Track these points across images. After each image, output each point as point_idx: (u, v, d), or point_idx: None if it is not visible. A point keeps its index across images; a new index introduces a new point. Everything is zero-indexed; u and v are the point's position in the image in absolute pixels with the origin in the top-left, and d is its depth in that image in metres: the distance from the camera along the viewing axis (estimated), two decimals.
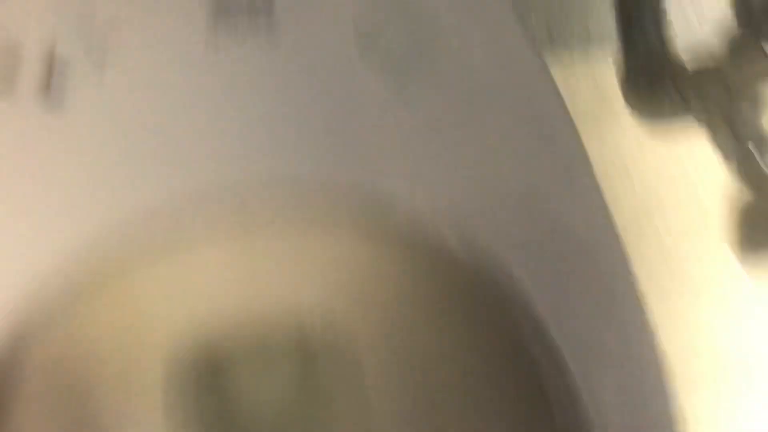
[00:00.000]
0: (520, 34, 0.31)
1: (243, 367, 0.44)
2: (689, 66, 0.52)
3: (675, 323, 0.53)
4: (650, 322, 0.30)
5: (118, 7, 0.27)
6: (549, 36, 0.60)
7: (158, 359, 0.41)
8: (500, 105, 0.30)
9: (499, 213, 0.29)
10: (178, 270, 0.35)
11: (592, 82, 0.62)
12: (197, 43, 0.28)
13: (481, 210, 0.29)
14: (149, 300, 0.36)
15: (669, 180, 0.57)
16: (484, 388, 0.39)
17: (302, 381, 0.46)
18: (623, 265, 0.29)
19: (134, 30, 0.27)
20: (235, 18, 0.28)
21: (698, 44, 0.51)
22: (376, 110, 0.28)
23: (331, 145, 0.28)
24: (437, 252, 0.30)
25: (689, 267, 0.54)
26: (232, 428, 0.43)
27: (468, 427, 0.38)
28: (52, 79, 0.26)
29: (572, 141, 0.30)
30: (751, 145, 0.49)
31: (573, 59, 0.60)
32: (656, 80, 0.56)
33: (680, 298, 0.53)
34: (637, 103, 0.60)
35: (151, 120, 0.26)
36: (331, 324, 0.43)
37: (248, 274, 0.40)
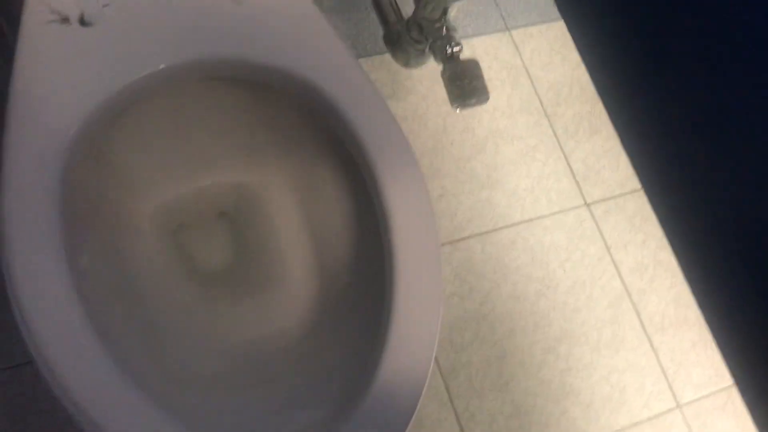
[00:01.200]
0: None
1: (194, 226, 0.85)
2: (411, 26, 0.98)
3: None
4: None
5: None
6: (353, 47, 1.12)
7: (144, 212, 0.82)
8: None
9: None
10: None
11: (386, 68, 1.11)
12: None
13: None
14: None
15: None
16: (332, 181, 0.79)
17: (233, 233, 0.86)
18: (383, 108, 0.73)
19: None
20: None
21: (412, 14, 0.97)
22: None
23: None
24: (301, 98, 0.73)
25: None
26: (190, 263, 0.82)
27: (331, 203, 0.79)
28: (84, 16, 0.73)
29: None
30: (442, 44, 0.92)
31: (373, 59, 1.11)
32: (402, 41, 1.01)
33: None
34: (400, 59, 1.05)
35: (138, 28, 0.71)
36: (245, 189, 0.85)
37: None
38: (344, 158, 0.77)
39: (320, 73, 0.75)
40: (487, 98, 0.91)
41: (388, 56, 1.11)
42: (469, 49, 1.27)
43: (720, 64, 1.07)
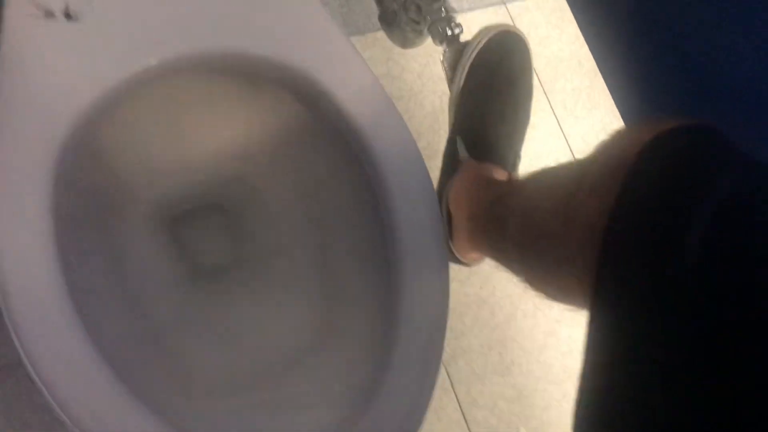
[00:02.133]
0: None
1: (192, 222, 0.82)
2: (409, 5, 0.94)
3: None
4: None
5: None
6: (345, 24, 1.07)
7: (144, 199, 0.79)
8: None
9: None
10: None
11: (380, 46, 1.07)
12: None
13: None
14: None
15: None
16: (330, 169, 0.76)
17: (232, 229, 0.83)
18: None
19: None
20: None
21: None
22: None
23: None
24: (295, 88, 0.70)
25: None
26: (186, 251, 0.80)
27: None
28: (69, 9, 0.69)
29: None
30: (441, 25, 0.89)
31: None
32: (399, 21, 0.98)
33: None
34: (397, 39, 1.01)
35: (128, 21, 0.67)
36: (243, 183, 0.81)
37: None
38: (343, 151, 0.75)
39: (317, 64, 0.72)
40: None
41: (381, 34, 1.07)
42: (464, 23, 1.23)
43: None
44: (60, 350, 0.58)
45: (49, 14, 0.65)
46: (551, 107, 1.22)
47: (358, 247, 0.77)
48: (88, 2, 0.66)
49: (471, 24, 1.24)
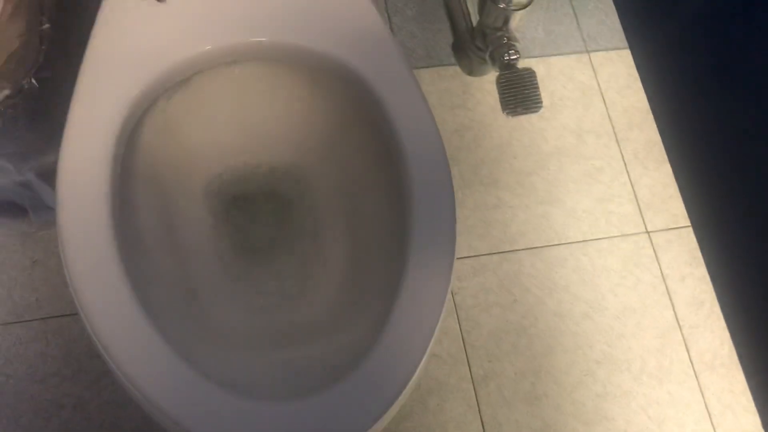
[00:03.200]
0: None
1: (244, 199, 0.91)
2: (476, 33, 1.01)
3: None
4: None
5: None
6: (428, 55, 1.16)
7: (199, 180, 0.89)
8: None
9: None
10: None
11: (459, 78, 1.14)
12: None
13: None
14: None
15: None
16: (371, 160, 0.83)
17: (278, 211, 0.92)
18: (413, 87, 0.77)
19: None
20: None
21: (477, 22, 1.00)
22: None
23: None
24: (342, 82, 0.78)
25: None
26: (239, 235, 0.88)
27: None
28: None
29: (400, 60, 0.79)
30: (500, 52, 0.95)
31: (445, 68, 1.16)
32: (466, 49, 1.05)
33: None
34: (465, 66, 1.08)
35: (208, 7, 0.78)
36: (295, 170, 0.90)
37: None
38: (383, 155, 0.81)
39: (372, 70, 0.79)
40: (539, 108, 0.93)
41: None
42: (546, 67, 1.28)
43: None
44: (106, 298, 0.66)
45: None
46: (622, 155, 1.24)
47: (381, 239, 0.82)
48: None
49: (553, 68, 1.29)
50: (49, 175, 0.87)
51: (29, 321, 1.01)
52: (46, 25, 0.79)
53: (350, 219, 0.88)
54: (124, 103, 0.73)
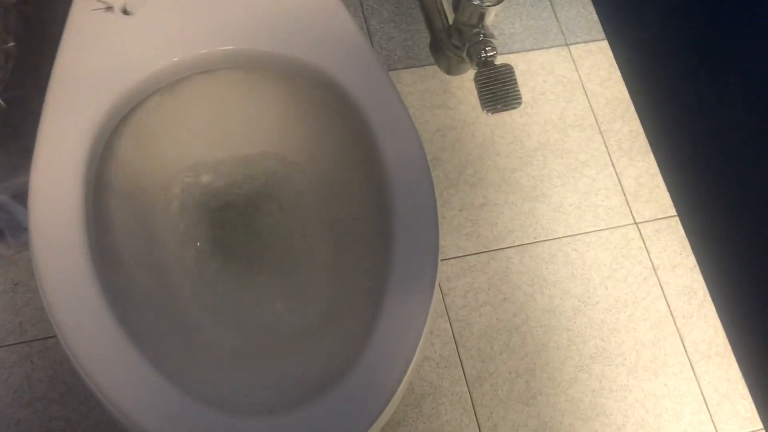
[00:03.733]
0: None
1: (225, 205, 0.90)
2: (452, 31, 1.01)
3: None
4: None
5: None
6: (407, 56, 1.15)
7: (174, 184, 0.88)
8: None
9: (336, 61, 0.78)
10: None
11: (439, 78, 1.13)
12: None
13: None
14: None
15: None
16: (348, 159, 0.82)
17: (261, 216, 0.90)
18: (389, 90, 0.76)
19: None
20: None
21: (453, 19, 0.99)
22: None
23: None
24: (317, 83, 0.77)
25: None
26: (220, 235, 0.87)
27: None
28: (126, 5, 0.80)
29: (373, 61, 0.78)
30: (477, 49, 0.94)
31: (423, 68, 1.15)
32: (443, 47, 1.04)
33: None
34: (443, 65, 1.07)
35: (176, 17, 0.78)
36: (276, 174, 0.89)
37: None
38: (363, 161, 0.80)
39: (346, 73, 0.78)
40: (519, 103, 0.92)
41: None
42: (526, 62, 1.27)
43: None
44: (83, 318, 0.64)
45: (109, 9, 0.76)
46: (606, 147, 1.23)
47: (364, 248, 0.81)
48: (143, 1, 0.77)
49: (533, 63, 1.28)
50: (23, 196, 0.86)
51: (13, 345, 0.99)
52: (11, 44, 0.77)
53: (333, 227, 0.86)
54: (94, 119, 0.71)
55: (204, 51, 0.77)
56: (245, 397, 0.73)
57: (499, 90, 0.92)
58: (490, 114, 0.92)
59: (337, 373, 0.68)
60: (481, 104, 0.92)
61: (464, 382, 1.05)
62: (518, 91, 0.92)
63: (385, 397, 0.65)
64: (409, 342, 0.67)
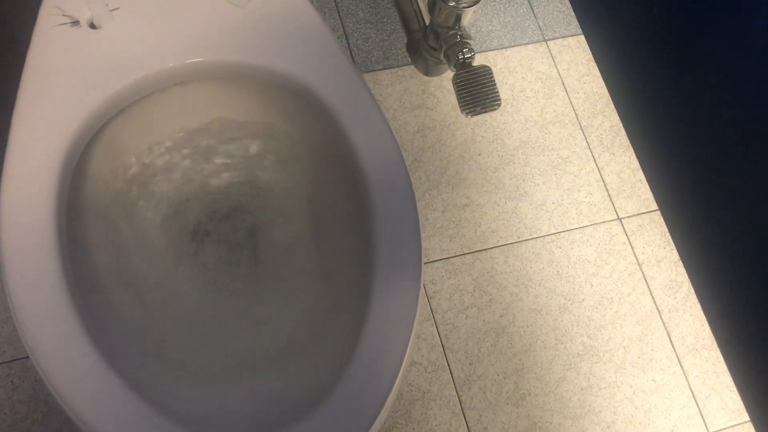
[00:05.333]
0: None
1: (205, 223, 0.88)
2: (429, 33, 0.99)
3: None
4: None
5: None
6: (384, 57, 1.13)
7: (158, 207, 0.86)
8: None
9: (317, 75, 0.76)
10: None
11: (417, 78, 1.12)
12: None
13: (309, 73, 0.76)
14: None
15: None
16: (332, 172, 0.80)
17: (243, 232, 0.89)
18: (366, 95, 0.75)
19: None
20: None
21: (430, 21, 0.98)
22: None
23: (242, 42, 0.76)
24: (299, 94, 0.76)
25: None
26: (201, 258, 0.85)
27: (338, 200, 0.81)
28: (93, 19, 0.79)
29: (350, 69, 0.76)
30: (454, 50, 0.93)
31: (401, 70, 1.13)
32: (420, 49, 1.03)
33: None
34: (420, 67, 1.06)
35: (145, 30, 0.76)
36: (256, 188, 0.87)
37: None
38: (341, 167, 0.78)
39: (319, 79, 0.76)
40: (498, 105, 0.91)
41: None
42: (504, 59, 1.26)
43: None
44: (59, 345, 0.63)
45: (75, 23, 0.74)
46: (587, 143, 1.22)
47: (347, 257, 0.80)
48: (110, 14, 0.75)
49: (511, 60, 1.27)
50: None
51: None
52: None
53: (315, 236, 0.85)
54: (65, 137, 0.69)
55: (173, 63, 0.75)
56: (228, 417, 0.72)
57: (477, 92, 0.91)
58: (469, 116, 0.91)
59: (323, 387, 0.67)
60: (460, 107, 0.91)
61: (452, 385, 1.05)
62: (497, 92, 0.91)
63: (374, 408, 0.64)
64: (396, 350, 0.66)
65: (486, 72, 0.91)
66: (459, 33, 0.94)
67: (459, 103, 0.92)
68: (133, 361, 0.73)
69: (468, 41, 0.93)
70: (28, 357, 0.98)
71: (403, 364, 0.67)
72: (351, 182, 0.77)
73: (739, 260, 1.06)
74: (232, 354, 0.80)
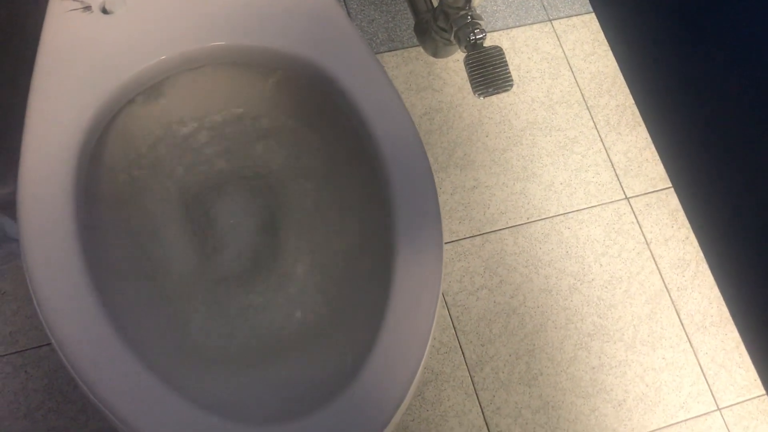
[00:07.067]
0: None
1: (219, 208, 0.87)
2: (438, 14, 0.98)
3: None
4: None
5: None
6: (390, 39, 1.13)
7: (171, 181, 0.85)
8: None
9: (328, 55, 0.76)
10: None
11: (423, 60, 1.11)
12: None
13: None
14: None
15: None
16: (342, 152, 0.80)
17: (255, 217, 0.88)
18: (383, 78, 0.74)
19: None
20: None
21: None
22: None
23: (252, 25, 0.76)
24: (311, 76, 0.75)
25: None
26: (214, 234, 0.84)
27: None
28: (105, 4, 0.77)
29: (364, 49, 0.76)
30: (465, 31, 0.92)
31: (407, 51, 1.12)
32: (429, 30, 1.02)
33: None
34: (429, 48, 1.05)
35: (158, 15, 0.75)
36: (268, 173, 0.86)
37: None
38: (356, 147, 0.78)
39: (335, 62, 0.76)
40: (510, 86, 0.90)
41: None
42: (510, 40, 1.26)
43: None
44: (82, 330, 0.62)
45: (87, 8, 0.73)
46: (594, 123, 1.22)
47: (367, 237, 0.80)
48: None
49: (516, 40, 1.26)
50: (7, 207, 0.83)
51: (6, 355, 0.97)
52: None
53: (334, 221, 0.85)
54: (80, 124, 0.69)
55: (188, 48, 0.74)
56: (249, 403, 0.72)
57: (489, 73, 0.91)
58: (482, 98, 0.90)
59: (346, 374, 0.67)
60: (473, 88, 0.91)
61: (465, 366, 1.05)
62: (509, 73, 0.90)
63: (396, 399, 0.64)
64: (420, 331, 0.66)
65: (498, 53, 0.90)
66: (469, 13, 0.93)
67: (471, 84, 0.91)
68: (155, 347, 0.73)
69: (479, 21, 0.93)
70: (41, 346, 0.98)
71: (427, 346, 0.67)
72: (368, 165, 0.77)
73: (757, 233, 1.07)
74: (254, 342, 0.80)
